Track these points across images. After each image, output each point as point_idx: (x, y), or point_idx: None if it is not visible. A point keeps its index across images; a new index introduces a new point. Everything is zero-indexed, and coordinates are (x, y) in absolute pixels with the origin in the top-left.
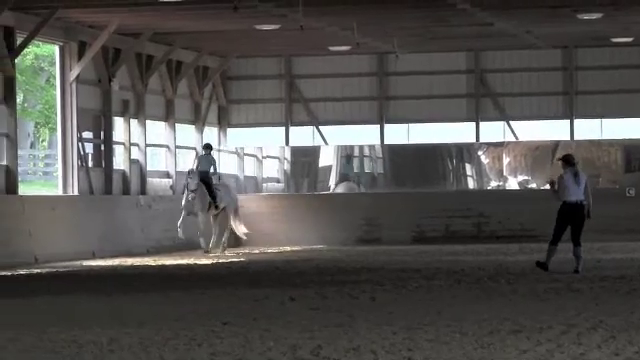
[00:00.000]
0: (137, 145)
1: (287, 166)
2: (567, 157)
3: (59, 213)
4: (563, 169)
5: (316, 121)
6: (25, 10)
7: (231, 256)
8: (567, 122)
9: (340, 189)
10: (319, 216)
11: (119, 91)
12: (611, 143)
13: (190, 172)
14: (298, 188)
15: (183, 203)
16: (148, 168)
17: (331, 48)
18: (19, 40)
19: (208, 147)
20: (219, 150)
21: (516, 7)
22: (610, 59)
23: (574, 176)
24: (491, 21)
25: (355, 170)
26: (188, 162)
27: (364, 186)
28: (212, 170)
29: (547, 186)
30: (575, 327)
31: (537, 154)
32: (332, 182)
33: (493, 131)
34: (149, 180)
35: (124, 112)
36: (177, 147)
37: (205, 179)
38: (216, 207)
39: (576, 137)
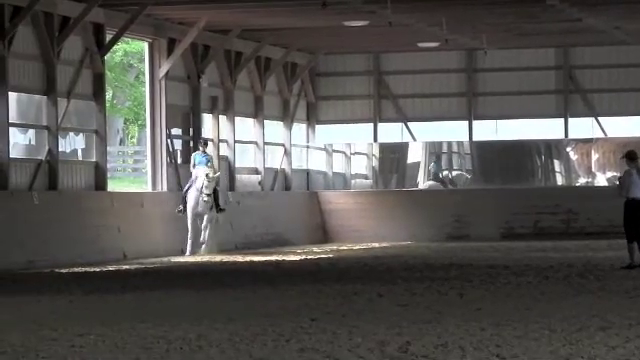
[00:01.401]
0: (226, 141)
1: (375, 162)
2: (631, 153)
3: (148, 209)
4: (628, 165)
5: (404, 117)
6: (115, 7)
7: (319, 252)
8: None
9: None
10: (407, 213)
11: (208, 88)
12: None
13: (207, 175)
14: (386, 184)
15: (192, 204)
16: (237, 164)
17: (419, 44)
18: (108, 37)
19: (205, 143)
20: (307, 147)
21: (605, 3)
22: None
23: (638, 172)
24: (580, 17)
25: (444, 170)
26: (277, 158)
27: (454, 186)
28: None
29: (617, 182)
30: None
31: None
32: (420, 179)
33: (582, 127)
34: (238, 176)
35: (213, 109)
36: (265, 143)
37: None
38: (220, 209)
39: None
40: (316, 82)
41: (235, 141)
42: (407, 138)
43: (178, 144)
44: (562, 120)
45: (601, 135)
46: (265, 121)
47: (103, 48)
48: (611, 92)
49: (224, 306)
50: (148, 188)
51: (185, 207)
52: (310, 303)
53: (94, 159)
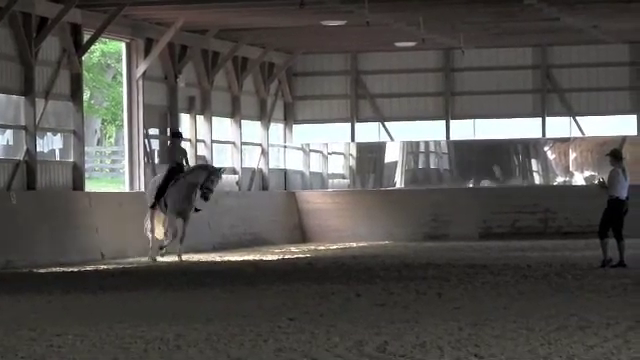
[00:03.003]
0: (203, 141)
1: (353, 162)
2: (616, 152)
3: (125, 209)
4: (612, 165)
5: (382, 117)
6: (92, 7)
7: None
8: (634, 117)
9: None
10: (385, 212)
11: (185, 88)
12: None
13: (221, 170)
14: (364, 184)
15: (176, 198)
16: (214, 164)
17: (397, 44)
18: (86, 37)
19: (178, 135)
20: (285, 146)
21: (583, 2)
22: None
23: (623, 172)
24: (558, 16)
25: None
26: (254, 158)
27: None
28: (184, 162)
29: (596, 181)
30: None
31: (604, 150)
32: (398, 178)
33: (559, 127)
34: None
35: (190, 108)
36: (243, 143)
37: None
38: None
39: None
40: (293, 82)
41: (212, 141)
42: (384, 138)
43: (155, 144)
44: (540, 119)
45: (579, 134)
46: (242, 121)
47: (81, 49)
48: (589, 91)
49: (202, 306)
50: (126, 188)
51: (160, 202)
52: (288, 303)
53: (72, 159)
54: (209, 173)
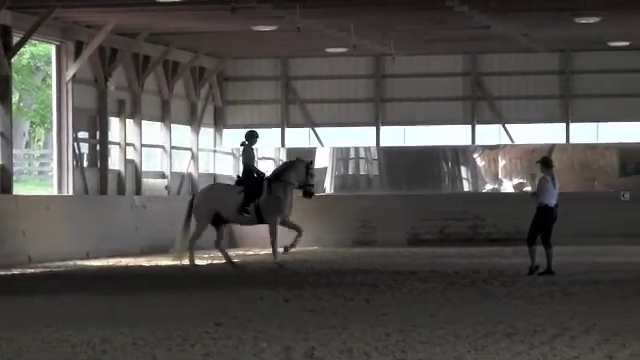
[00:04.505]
0: (132, 145)
1: None
2: (547, 160)
3: (54, 213)
4: (542, 172)
5: (312, 123)
6: (22, 9)
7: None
8: (563, 125)
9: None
10: (314, 218)
11: (115, 91)
12: (607, 147)
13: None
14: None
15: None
16: (143, 168)
17: (328, 50)
18: (16, 39)
19: (253, 136)
20: (215, 151)
21: (513, 10)
22: (607, 63)
23: (552, 179)
24: (488, 24)
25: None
26: (184, 163)
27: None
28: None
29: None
30: (569, 330)
31: (533, 157)
32: (327, 184)
33: (489, 134)
34: (144, 180)
35: (120, 112)
36: (172, 148)
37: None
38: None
39: (572, 140)
40: (224, 86)
41: (142, 145)
42: (314, 143)
43: (85, 147)
44: (469, 127)
45: (508, 142)
46: (172, 125)
47: (10, 50)
48: (518, 99)
49: (129, 310)
50: (54, 191)
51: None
52: (216, 308)
53: (0, 162)
54: (307, 168)
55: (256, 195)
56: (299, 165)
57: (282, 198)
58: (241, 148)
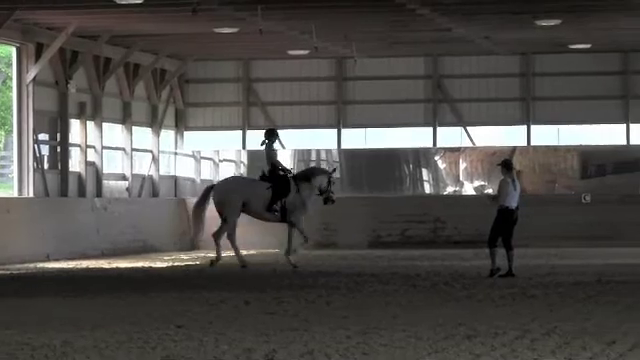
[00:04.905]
0: (93, 147)
1: (244, 170)
2: (507, 163)
3: (14, 215)
4: (503, 174)
5: (273, 125)
6: None
7: (187, 259)
8: (524, 128)
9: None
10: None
11: (76, 93)
12: (568, 149)
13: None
14: None
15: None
16: (104, 170)
17: (290, 52)
18: None
19: (273, 134)
20: (176, 153)
21: (475, 13)
22: (568, 65)
23: (512, 182)
24: (450, 27)
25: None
26: (144, 165)
27: None
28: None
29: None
30: (529, 333)
31: (494, 160)
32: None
33: (450, 136)
34: (105, 182)
35: (81, 114)
36: (133, 150)
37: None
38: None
39: (533, 143)
40: (185, 88)
41: (103, 147)
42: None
43: (45, 149)
44: (431, 129)
45: (469, 144)
46: (133, 127)
47: None
48: (479, 102)
49: (90, 313)
50: (14, 193)
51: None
52: (176, 310)
53: None
54: (329, 176)
55: (284, 194)
56: (324, 173)
57: (307, 200)
58: (262, 147)
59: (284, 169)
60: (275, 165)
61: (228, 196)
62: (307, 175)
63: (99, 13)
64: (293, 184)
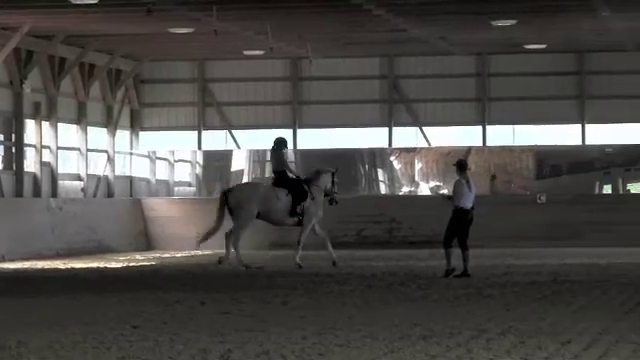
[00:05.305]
0: (48, 148)
1: (199, 170)
2: (462, 163)
3: None
4: (458, 175)
5: (229, 125)
6: None
7: (143, 260)
8: (480, 128)
9: None
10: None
11: (31, 93)
12: (523, 149)
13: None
14: (210, 192)
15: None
16: (59, 171)
17: (245, 52)
18: None
19: (282, 142)
20: (131, 153)
21: (430, 14)
22: (523, 66)
23: (467, 182)
24: (405, 27)
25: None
26: (100, 165)
27: None
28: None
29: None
30: (485, 332)
31: (449, 160)
32: None
33: (406, 136)
34: (60, 183)
35: (36, 114)
36: (89, 150)
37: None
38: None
39: (488, 143)
40: (140, 89)
41: (58, 147)
42: (231, 146)
43: (0, 150)
44: (386, 129)
45: (425, 144)
46: (88, 127)
47: None
48: (435, 102)
49: (45, 313)
50: None
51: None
52: (132, 310)
53: None
54: (332, 177)
55: (304, 197)
56: (327, 174)
57: (319, 202)
58: (269, 153)
59: (296, 174)
60: (285, 170)
61: (245, 203)
62: (313, 179)
63: (54, 13)
64: (308, 189)
